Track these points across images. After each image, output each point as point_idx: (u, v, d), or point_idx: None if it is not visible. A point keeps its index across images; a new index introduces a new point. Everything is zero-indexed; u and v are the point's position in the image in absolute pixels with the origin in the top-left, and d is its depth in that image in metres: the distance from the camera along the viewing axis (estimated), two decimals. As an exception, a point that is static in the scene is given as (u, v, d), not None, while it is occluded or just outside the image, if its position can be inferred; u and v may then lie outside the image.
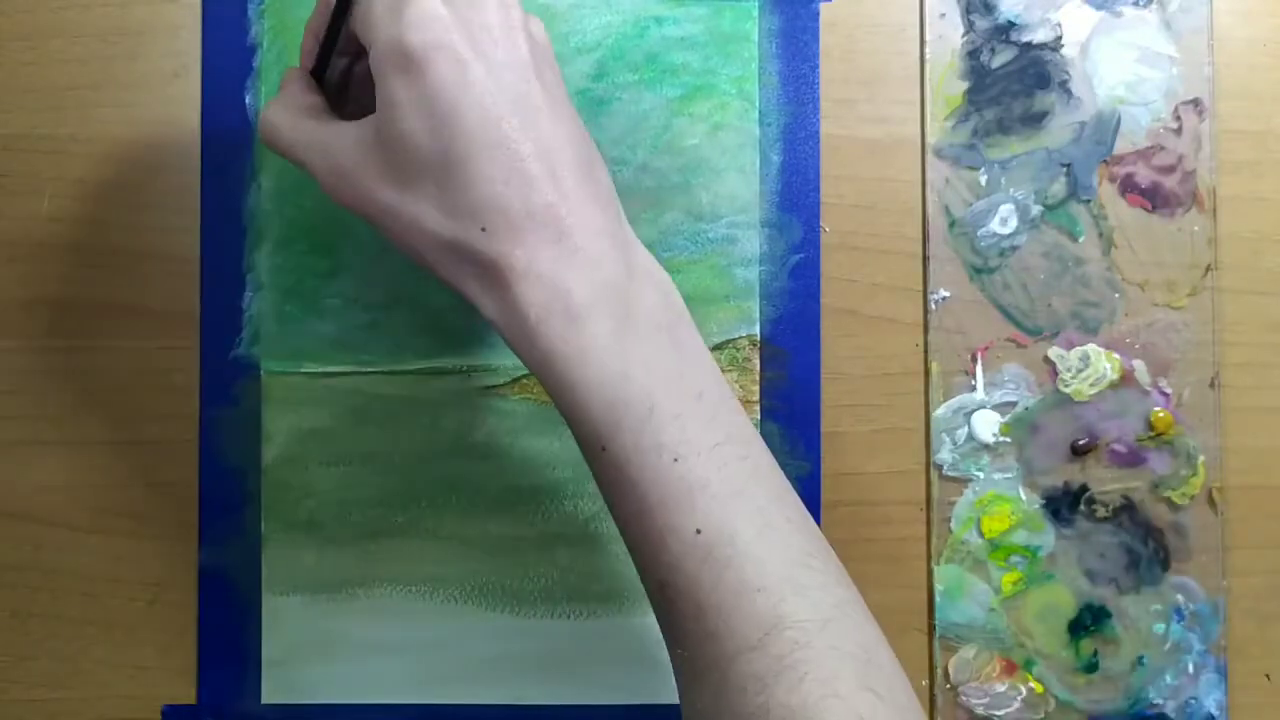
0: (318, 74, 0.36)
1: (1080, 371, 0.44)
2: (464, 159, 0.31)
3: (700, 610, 0.30)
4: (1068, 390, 0.44)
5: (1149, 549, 0.44)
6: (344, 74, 0.37)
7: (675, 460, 0.31)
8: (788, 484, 0.33)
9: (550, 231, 0.31)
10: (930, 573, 0.44)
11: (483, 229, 0.31)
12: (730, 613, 0.30)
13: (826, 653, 0.30)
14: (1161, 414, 0.43)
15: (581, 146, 0.33)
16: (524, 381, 0.43)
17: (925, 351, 0.44)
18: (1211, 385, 0.44)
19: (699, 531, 0.30)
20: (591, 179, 0.32)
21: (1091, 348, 0.44)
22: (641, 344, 0.32)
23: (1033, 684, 0.43)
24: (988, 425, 0.44)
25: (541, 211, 0.31)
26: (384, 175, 0.32)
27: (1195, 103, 0.44)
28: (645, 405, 0.31)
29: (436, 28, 0.30)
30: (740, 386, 0.43)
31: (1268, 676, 0.44)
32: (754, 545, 0.30)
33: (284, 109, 0.35)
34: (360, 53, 0.34)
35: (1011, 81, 0.44)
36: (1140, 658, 0.43)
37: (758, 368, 0.43)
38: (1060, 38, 0.44)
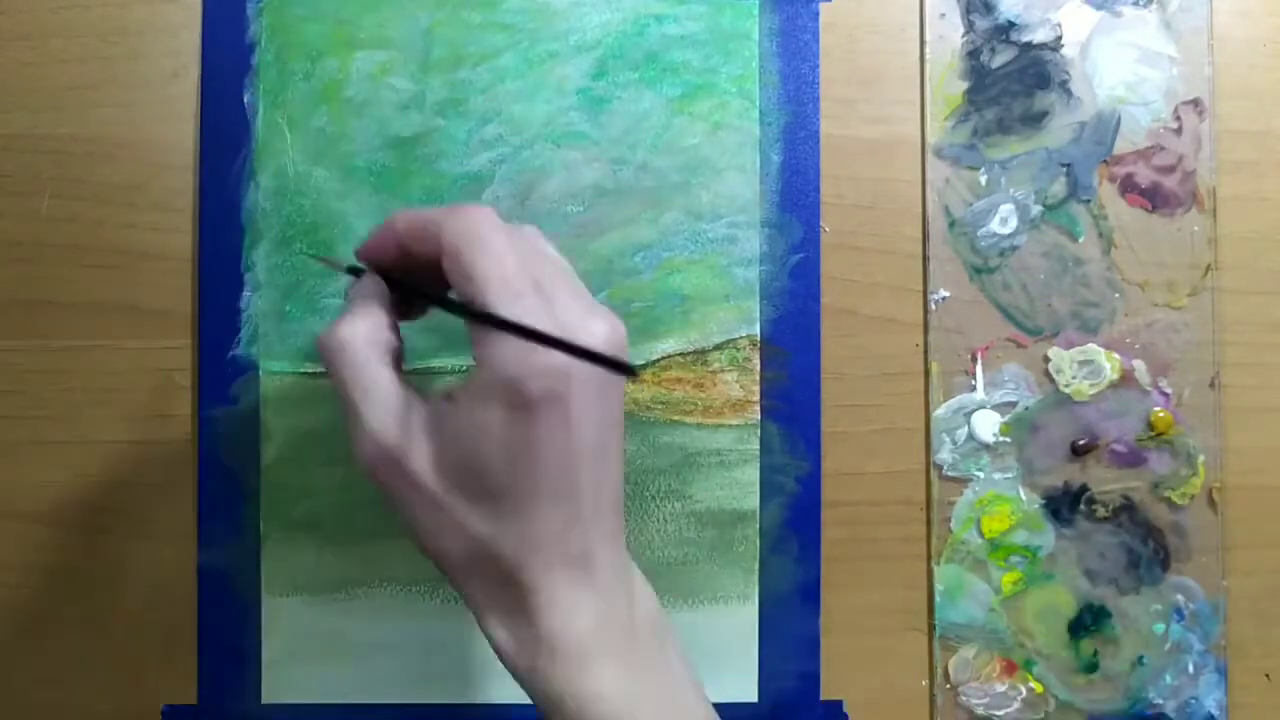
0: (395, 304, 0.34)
1: (1076, 375, 0.44)
2: (531, 500, 0.30)
3: None
4: (1067, 390, 0.44)
5: (1149, 549, 0.44)
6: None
7: None
8: None
9: (582, 570, 0.31)
10: (930, 573, 0.44)
11: (518, 560, 0.31)
12: None
13: None
14: (1161, 414, 0.43)
15: (621, 482, 0.33)
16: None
17: (925, 351, 0.44)
18: (1211, 385, 0.44)
19: None
20: (620, 513, 0.33)
21: (1091, 347, 0.44)
22: (643, 682, 0.32)
23: (1033, 684, 0.43)
24: (988, 425, 0.44)
25: (580, 555, 0.31)
26: (440, 469, 0.31)
27: (1195, 103, 0.44)
28: None
29: (558, 381, 0.30)
30: (740, 386, 0.43)
31: (1268, 676, 0.44)
32: None
33: (366, 337, 0.32)
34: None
35: (1011, 81, 0.44)
36: (1140, 658, 0.43)
37: (758, 368, 0.43)
38: (1060, 38, 0.44)
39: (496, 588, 0.31)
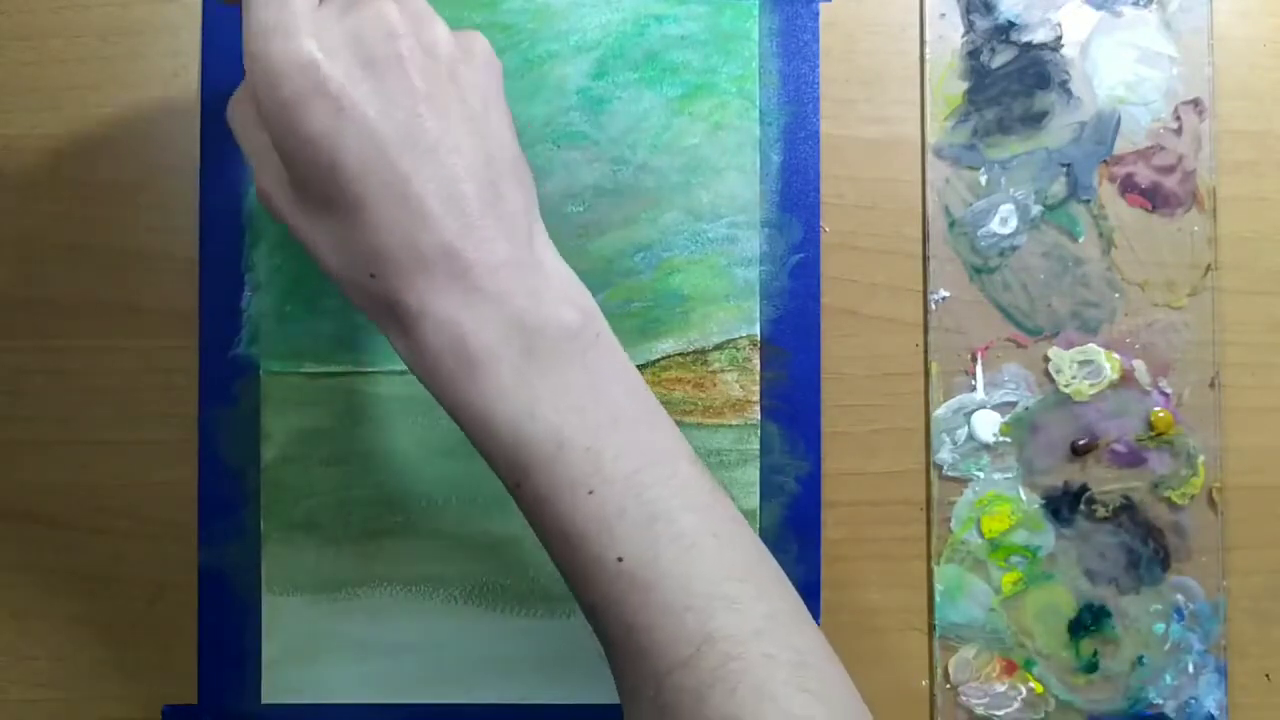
0: None
1: (1076, 375, 0.44)
2: (351, 205, 0.30)
3: (630, 630, 0.30)
4: (1067, 390, 0.44)
5: (1149, 549, 0.44)
6: None
7: (590, 493, 0.30)
8: (721, 494, 0.33)
9: (444, 273, 0.30)
10: (930, 573, 0.44)
11: (371, 275, 0.30)
12: (659, 632, 0.30)
13: (760, 661, 0.30)
14: (1161, 414, 0.43)
15: (489, 166, 0.31)
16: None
17: (925, 351, 0.44)
18: (1211, 385, 0.44)
19: (620, 560, 0.30)
20: (498, 202, 0.31)
21: (1091, 347, 0.44)
22: (547, 378, 0.31)
23: (1033, 684, 0.43)
24: (988, 425, 0.44)
25: (433, 254, 0.30)
26: (294, 200, 0.31)
27: (1195, 103, 0.44)
28: (554, 443, 0.30)
29: (308, 75, 0.29)
30: (740, 386, 0.43)
31: (1268, 676, 0.44)
32: (677, 565, 0.30)
33: (238, 103, 0.34)
34: None
35: (1011, 81, 0.44)
36: (1140, 658, 0.43)
37: (758, 368, 0.43)
38: (1060, 38, 0.44)
39: (375, 306, 0.31)
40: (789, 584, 0.33)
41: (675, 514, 0.31)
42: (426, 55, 0.30)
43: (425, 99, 0.30)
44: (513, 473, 0.31)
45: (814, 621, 0.33)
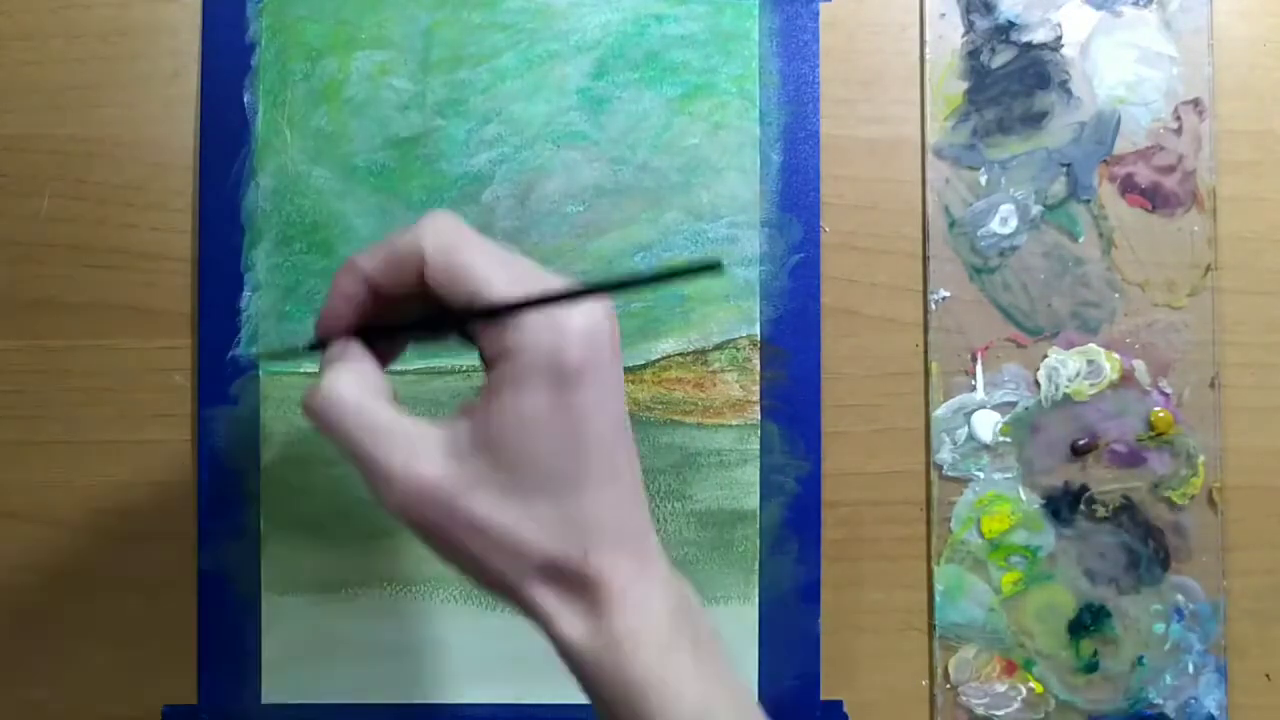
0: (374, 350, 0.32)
1: (1076, 375, 0.44)
2: (587, 481, 0.30)
3: None
4: (1068, 390, 0.44)
5: (1149, 549, 0.44)
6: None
7: None
8: None
9: (640, 557, 0.31)
10: (930, 573, 0.44)
11: (586, 551, 0.30)
12: None
13: None
14: (1161, 414, 0.43)
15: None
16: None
17: (925, 351, 0.44)
18: (1211, 385, 0.44)
19: None
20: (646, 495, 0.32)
21: (1091, 347, 0.44)
22: (707, 665, 0.31)
23: (1033, 684, 0.43)
24: (988, 425, 0.44)
25: (637, 536, 0.31)
26: (482, 485, 0.29)
27: (1195, 103, 0.44)
28: None
29: (601, 345, 0.29)
30: (740, 386, 0.43)
31: (1268, 676, 0.44)
32: None
33: (357, 386, 0.30)
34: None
35: (1011, 81, 0.44)
36: (1140, 658, 0.43)
37: (758, 368, 0.43)
38: (1060, 38, 0.44)
39: (563, 589, 0.30)
40: None
41: None
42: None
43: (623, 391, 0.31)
44: None
45: None
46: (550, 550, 0.30)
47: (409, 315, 0.32)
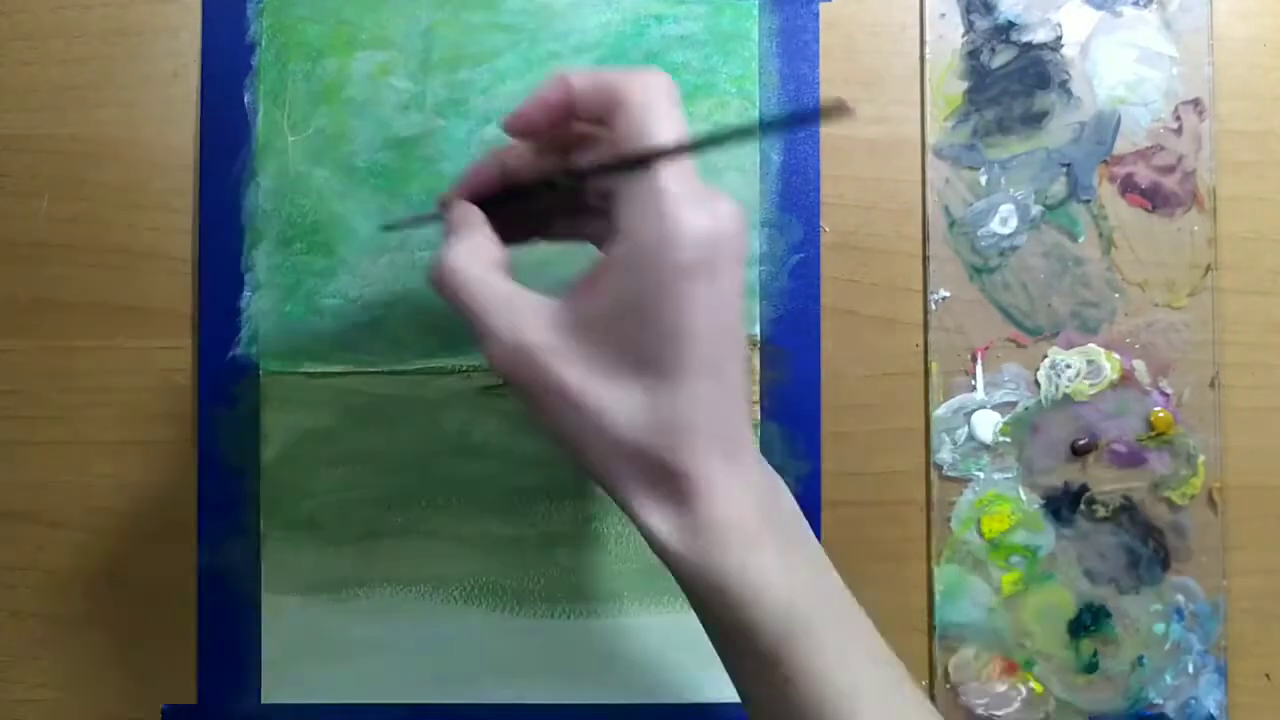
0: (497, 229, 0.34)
1: (1076, 375, 0.44)
2: (684, 375, 0.30)
3: None
4: (1068, 390, 0.44)
5: (1149, 549, 0.44)
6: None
7: (840, 671, 0.31)
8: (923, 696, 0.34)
9: (733, 453, 0.31)
10: (930, 573, 0.44)
11: (674, 443, 0.30)
12: None
13: None
14: (1161, 414, 0.43)
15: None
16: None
17: (925, 351, 0.44)
18: (1211, 385, 0.44)
19: None
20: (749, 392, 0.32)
21: (1091, 347, 0.44)
22: (795, 562, 0.32)
23: (1033, 684, 0.43)
24: (988, 425, 0.44)
25: (731, 434, 0.31)
26: (580, 360, 0.30)
27: (1195, 103, 0.44)
28: (807, 626, 0.31)
29: (719, 246, 0.29)
30: (740, 386, 0.43)
31: (1268, 676, 0.44)
32: None
33: (474, 258, 0.32)
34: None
35: (1011, 81, 0.44)
36: (1140, 658, 0.43)
37: (758, 368, 0.43)
38: (1060, 38, 0.44)
39: (650, 477, 0.31)
40: None
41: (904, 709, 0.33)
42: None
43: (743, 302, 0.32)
44: (768, 653, 0.31)
45: None
46: (639, 438, 0.30)
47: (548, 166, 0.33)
